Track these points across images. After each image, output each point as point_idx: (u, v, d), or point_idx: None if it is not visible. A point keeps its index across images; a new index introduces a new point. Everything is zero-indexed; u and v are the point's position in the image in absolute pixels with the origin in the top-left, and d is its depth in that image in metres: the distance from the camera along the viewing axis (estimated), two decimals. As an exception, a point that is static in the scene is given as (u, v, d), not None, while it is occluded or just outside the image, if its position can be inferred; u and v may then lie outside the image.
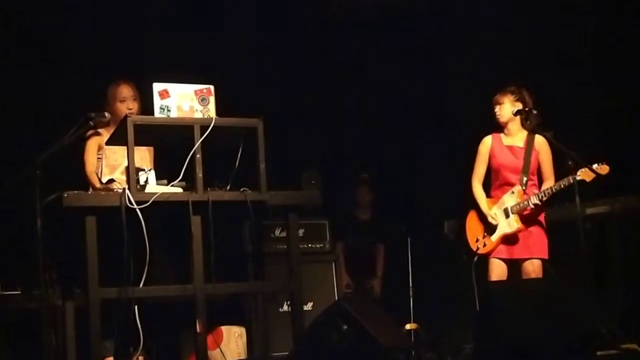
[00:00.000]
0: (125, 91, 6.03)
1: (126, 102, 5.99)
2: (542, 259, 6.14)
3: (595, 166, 5.91)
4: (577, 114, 7.41)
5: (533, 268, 6.11)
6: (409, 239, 7.86)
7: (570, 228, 6.25)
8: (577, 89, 7.50)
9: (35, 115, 7.14)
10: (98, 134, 5.94)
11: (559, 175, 6.09)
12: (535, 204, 6.08)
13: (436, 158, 8.13)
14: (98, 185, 5.62)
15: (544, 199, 6.08)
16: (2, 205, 6.51)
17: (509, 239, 6.17)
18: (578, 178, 5.92)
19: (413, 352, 6.87)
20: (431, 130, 8.30)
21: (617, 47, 7.44)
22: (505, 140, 6.31)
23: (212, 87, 5.50)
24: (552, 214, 6.73)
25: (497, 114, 6.28)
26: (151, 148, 5.96)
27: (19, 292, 6.35)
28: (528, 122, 6.20)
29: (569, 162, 5.98)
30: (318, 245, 7.66)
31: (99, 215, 5.13)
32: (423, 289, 7.82)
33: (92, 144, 5.98)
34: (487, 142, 6.34)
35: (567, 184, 5.98)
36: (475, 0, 8.11)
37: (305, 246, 7.42)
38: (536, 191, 6.12)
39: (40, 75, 7.24)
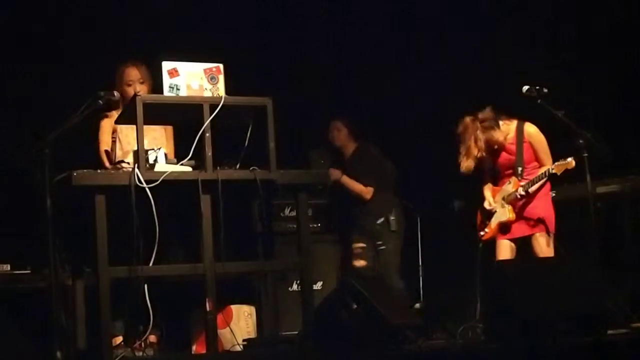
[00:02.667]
0: (132, 74, 6.00)
1: (133, 85, 5.96)
2: (549, 234, 6.17)
3: (562, 161, 6.01)
4: (587, 95, 7.38)
5: (540, 243, 6.17)
6: (418, 218, 7.85)
7: (581, 207, 6.26)
8: (585, 69, 7.47)
9: (45, 94, 7.11)
10: (111, 116, 5.92)
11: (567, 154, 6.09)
12: (521, 195, 6.18)
13: (446, 136, 8.07)
14: (108, 165, 5.62)
15: (530, 189, 6.16)
16: (11, 184, 6.52)
17: (511, 223, 6.26)
18: (552, 171, 6.06)
19: (422, 331, 6.86)
20: (441, 109, 8.24)
21: (627, 29, 7.41)
22: None
23: (221, 66, 5.48)
24: (563, 193, 6.75)
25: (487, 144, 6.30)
26: (169, 127, 5.95)
27: (28, 272, 6.36)
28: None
29: (580, 141, 5.99)
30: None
31: (109, 194, 5.13)
32: (433, 267, 7.81)
33: (106, 124, 5.98)
34: None
35: (543, 176, 6.13)
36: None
37: (315, 226, 7.40)
38: (523, 182, 6.19)
39: (48, 55, 7.22)
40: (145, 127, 5.41)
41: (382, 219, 7.54)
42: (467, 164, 6.25)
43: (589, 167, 6.02)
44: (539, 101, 6.18)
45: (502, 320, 5.41)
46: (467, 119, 6.30)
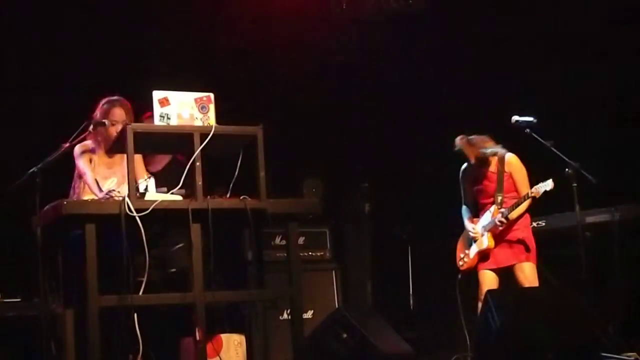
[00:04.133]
0: (118, 114, 5.92)
1: (116, 125, 5.90)
2: (532, 263, 6.21)
3: (540, 184, 6.05)
4: (578, 124, 7.41)
5: (524, 273, 6.19)
6: (409, 247, 7.87)
7: (570, 236, 6.27)
8: (579, 97, 7.50)
9: (33, 122, 7.12)
10: (85, 146, 5.90)
11: (557, 184, 6.11)
12: (500, 222, 6.21)
13: (438, 165, 8.11)
14: (99, 195, 5.63)
15: (508, 214, 6.20)
16: (2, 213, 6.52)
17: (493, 251, 6.30)
18: (530, 195, 6.10)
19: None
20: (434, 137, 8.27)
21: (620, 53, 7.45)
22: None
23: (212, 95, 5.50)
24: (553, 222, 6.78)
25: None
26: (139, 156, 5.95)
27: (18, 300, 6.35)
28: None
29: (568, 170, 6.04)
30: (318, 253, 7.67)
31: (99, 223, 5.13)
32: (423, 296, 7.82)
33: (85, 157, 5.95)
34: (462, 169, 6.56)
35: (522, 200, 6.16)
36: (476, 3, 8.10)
37: (306, 254, 7.42)
38: (502, 210, 6.23)
39: (37, 81, 7.24)
40: (117, 159, 5.42)
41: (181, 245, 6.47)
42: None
43: (578, 197, 6.05)
44: (527, 131, 6.23)
45: (492, 350, 5.41)
46: (460, 141, 6.38)
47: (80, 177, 5.95)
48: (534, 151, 6.28)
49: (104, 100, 5.97)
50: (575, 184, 6.07)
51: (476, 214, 6.49)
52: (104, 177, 5.94)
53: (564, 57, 7.73)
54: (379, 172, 8.41)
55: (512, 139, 6.40)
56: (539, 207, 6.39)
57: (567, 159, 6.10)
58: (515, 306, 5.50)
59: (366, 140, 8.61)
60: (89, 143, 5.90)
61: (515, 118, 6.31)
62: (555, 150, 6.15)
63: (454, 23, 8.26)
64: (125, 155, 5.38)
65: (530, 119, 6.30)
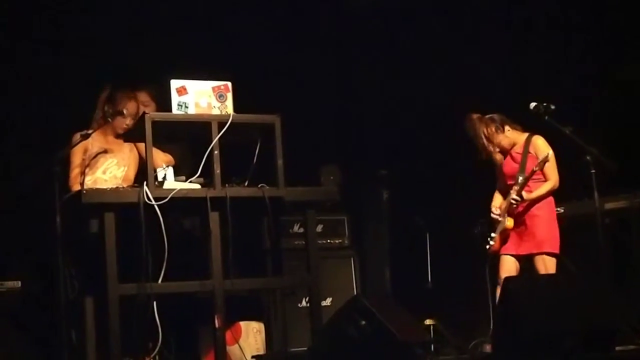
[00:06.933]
0: (131, 107, 6.02)
1: (126, 117, 5.98)
2: (552, 254, 6.18)
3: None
4: (594, 109, 7.37)
5: (543, 263, 6.19)
6: (427, 234, 7.85)
7: (589, 223, 6.25)
8: (592, 82, 7.46)
9: (50, 112, 7.13)
10: (86, 137, 5.92)
11: (576, 170, 6.10)
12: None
13: (456, 151, 8.09)
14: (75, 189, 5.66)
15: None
16: (21, 202, 6.55)
17: (515, 236, 6.30)
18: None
19: (431, 347, 6.87)
20: (451, 123, 8.25)
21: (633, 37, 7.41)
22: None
23: (229, 84, 5.52)
24: (571, 209, 6.75)
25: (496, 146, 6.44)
26: (137, 146, 5.97)
27: (39, 288, 6.38)
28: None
29: (587, 157, 6.00)
30: (337, 241, 7.67)
31: (118, 211, 5.16)
32: (442, 283, 7.80)
33: (78, 148, 5.97)
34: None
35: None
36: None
37: (324, 242, 7.41)
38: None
39: (54, 71, 7.25)
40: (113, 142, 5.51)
41: None
42: (485, 156, 6.43)
43: (597, 183, 6.03)
44: (546, 118, 6.20)
45: (511, 336, 5.40)
46: (474, 116, 6.43)
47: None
48: (553, 137, 6.26)
49: (121, 93, 6.01)
50: (593, 171, 6.04)
51: (505, 197, 6.48)
52: (103, 157, 5.96)
53: (581, 40, 7.68)
54: (398, 159, 8.39)
55: (531, 125, 6.38)
56: (557, 194, 6.36)
57: (585, 145, 6.07)
58: (533, 292, 5.48)
59: (385, 127, 8.60)
60: (85, 132, 5.90)
61: (533, 104, 6.27)
62: (574, 137, 6.12)
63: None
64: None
65: (549, 105, 6.27)
